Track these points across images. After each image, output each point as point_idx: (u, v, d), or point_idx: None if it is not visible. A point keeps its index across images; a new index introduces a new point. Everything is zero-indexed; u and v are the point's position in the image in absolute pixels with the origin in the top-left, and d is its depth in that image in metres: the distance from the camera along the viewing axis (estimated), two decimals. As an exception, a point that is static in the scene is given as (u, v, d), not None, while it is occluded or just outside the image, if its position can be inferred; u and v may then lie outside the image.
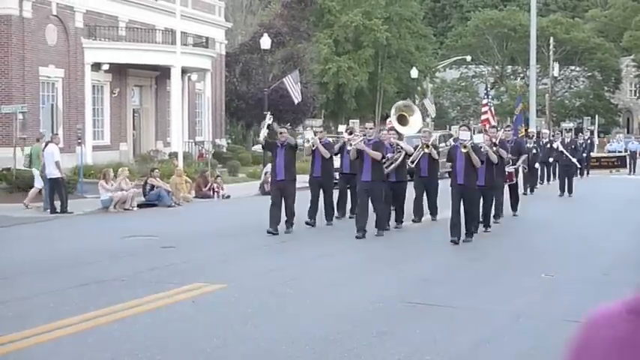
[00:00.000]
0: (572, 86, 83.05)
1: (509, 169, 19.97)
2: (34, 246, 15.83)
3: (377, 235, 16.23)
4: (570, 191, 27.13)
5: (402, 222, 18.14)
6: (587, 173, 38.05)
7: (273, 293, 10.96)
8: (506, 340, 8.61)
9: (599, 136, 64.70)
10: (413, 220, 18.67)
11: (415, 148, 18.18)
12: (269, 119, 18.12)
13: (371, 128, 17.86)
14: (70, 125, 32.38)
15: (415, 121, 19.40)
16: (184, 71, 37.00)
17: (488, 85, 30.77)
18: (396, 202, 17.99)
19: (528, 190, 27.07)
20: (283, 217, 16.96)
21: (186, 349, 8.06)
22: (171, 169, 28.11)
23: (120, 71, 36.60)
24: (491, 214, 17.90)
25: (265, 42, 41.03)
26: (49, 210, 21.47)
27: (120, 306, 9.88)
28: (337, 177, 20.11)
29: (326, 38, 64.12)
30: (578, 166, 30.03)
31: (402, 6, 70.82)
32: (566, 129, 48.26)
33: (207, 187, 26.82)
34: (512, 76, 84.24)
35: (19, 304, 10.06)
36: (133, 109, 38.66)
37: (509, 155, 19.76)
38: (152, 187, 24.25)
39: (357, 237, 15.84)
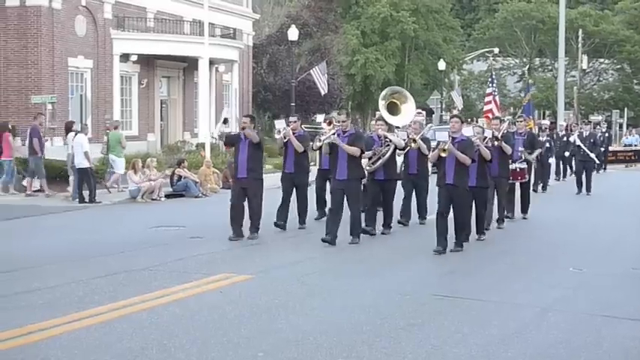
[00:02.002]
0: (601, 79, 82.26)
1: (519, 165, 18.15)
2: (63, 235, 15.93)
3: (351, 243, 14.20)
4: (588, 189, 25.22)
5: (391, 227, 15.94)
6: (604, 168, 35.53)
7: (300, 284, 10.98)
8: (534, 333, 8.57)
9: (627, 129, 64.07)
10: (399, 222, 16.69)
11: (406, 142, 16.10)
12: (226, 113, 16.89)
13: (344, 121, 14.56)
14: (99, 116, 32.57)
15: (408, 109, 17.17)
16: (212, 62, 37.04)
17: (494, 74, 26.95)
18: (384, 203, 15.89)
19: (540, 187, 25.40)
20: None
21: (215, 339, 8.09)
22: (199, 159, 28.18)
23: (148, 62, 36.73)
24: (485, 219, 15.43)
25: (293, 33, 41.01)
26: (77, 200, 21.60)
27: (148, 295, 9.93)
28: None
29: (353, 30, 63.96)
30: (597, 161, 27.75)
31: (430, -2, 70.48)
32: (584, 121, 46.97)
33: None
34: (540, 69, 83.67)
35: (49, 292, 10.14)
36: (161, 100, 38.80)
37: (521, 149, 18.40)
38: (180, 177, 24.33)
39: (322, 240, 13.99)
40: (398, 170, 16.99)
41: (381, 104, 17.18)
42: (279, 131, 16.05)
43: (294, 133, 16.08)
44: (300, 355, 7.62)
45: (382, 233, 15.60)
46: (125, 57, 34.93)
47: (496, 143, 15.83)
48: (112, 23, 34.38)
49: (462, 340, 8.19)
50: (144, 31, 35.92)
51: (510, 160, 17.33)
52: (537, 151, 20.06)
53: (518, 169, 18.06)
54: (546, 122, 39.42)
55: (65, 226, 17.59)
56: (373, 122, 16.59)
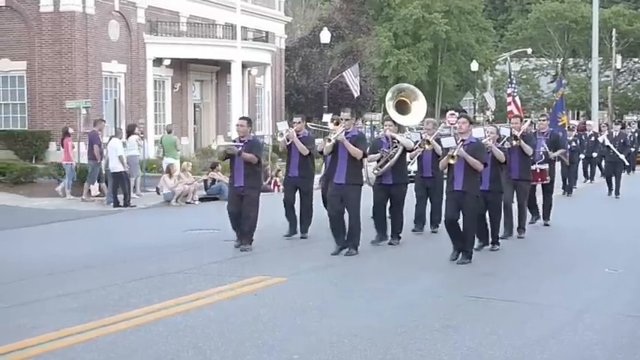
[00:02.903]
0: (635, 78, 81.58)
1: (540, 165, 16.86)
2: (98, 239, 16.06)
3: (347, 255, 13.18)
4: (617, 192, 24.06)
5: (400, 236, 14.65)
6: (633, 169, 32.67)
7: (333, 286, 11.00)
8: (570, 335, 8.51)
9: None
10: (413, 230, 15.67)
11: (416, 143, 15.12)
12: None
13: (347, 119, 13.54)
14: (133, 120, 32.72)
15: (418, 108, 15.89)
16: (244, 66, 37.17)
17: (512, 74, 25.02)
18: (393, 209, 14.72)
19: (566, 190, 24.13)
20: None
21: (250, 341, 8.12)
22: (232, 163, 28.27)
23: (181, 66, 36.93)
24: (498, 226, 14.24)
25: (325, 36, 41.09)
26: (112, 204, 21.77)
27: (183, 298, 9.99)
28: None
29: (385, 32, 63.94)
30: (626, 162, 26.52)
31: (462, -1, 70.32)
32: (616, 121, 45.73)
33: (268, 181, 26.92)
34: (573, 69, 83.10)
35: (85, 296, 10.23)
36: (194, 104, 38.99)
37: (543, 149, 17.09)
38: (213, 181, 24.45)
39: (333, 254, 13.24)
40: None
41: (389, 104, 15.79)
42: (282, 133, 15.18)
43: (298, 135, 15.07)
44: (334, 358, 7.63)
45: (389, 244, 14.42)
46: (158, 61, 35.16)
47: (514, 143, 14.94)
48: (145, 28, 34.61)
49: (498, 342, 8.15)
50: (177, 36, 36.14)
51: (532, 160, 16.37)
52: (560, 151, 18.39)
53: (538, 170, 16.86)
54: (574, 122, 38.64)
55: (100, 230, 17.74)
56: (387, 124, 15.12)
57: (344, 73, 39.61)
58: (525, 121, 17.11)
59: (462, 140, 12.61)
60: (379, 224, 14.59)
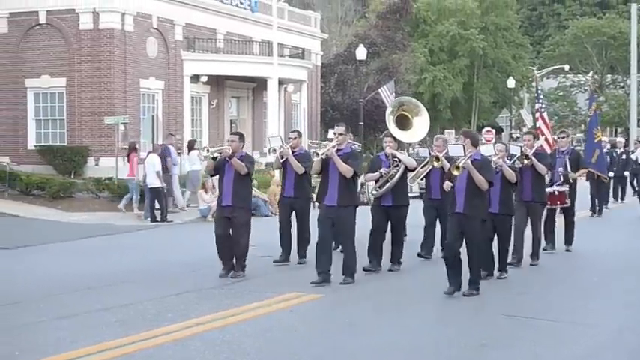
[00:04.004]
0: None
1: (558, 187, 15.62)
2: (135, 254, 16.19)
3: (343, 284, 12.07)
4: None
5: (401, 262, 13.63)
6: None
7: (369, 303, 10.99)
8: (609, 354, 8.46)
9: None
10: (419, 255, 14.60)
11: (425, 160, 14.05)
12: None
13: (341, 134, 12.37)
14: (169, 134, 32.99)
15: (420, 124, 14.50)
16: (281, 82, 37.32)
17: (539, 89, 23.15)
18: (393, 233, 13.60)
19: (596, 211, 23.08)
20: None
21: (286, 357, 8.15)
22: (268, 179, 28.36)
23: (218, 82, 37.19)
24: (507, 253, 13.10)
25: (361, 52, 41.17)
26: (149, 219, 21.93)
27: (220, 314, 10.04)
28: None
29: (421, 48, 63.93)
30: None
31: (499, 15, 70.15)
32: None
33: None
34: (611, 85, 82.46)
35: (122, 310, 10.33)
36: (231, 120, 39.21)
37: (561, 169, 15.83)
38: (248, 196, 24.51)
39: (312, 283, 11.94)
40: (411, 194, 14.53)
41: (389, 118, 14.25)
42: (274, 150, 13.91)
43: (293, 152, 13.91)
44: (370, 374, 7.63)
45: (389, 270, 13.38)
46: (195, 78, 35.42)
47: (525, 162, 13.62)
48: (183, 45, 34.89)
49: (535, 361, 8.12)
50: (214, 52, 36.39)
51: (549, 182, 15.44)
52: (582, 172, 16.92)
53: (557, 193, 15.56)
54: (605, 139, 38.10)
55: (138, 245, 17.88)
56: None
57: (380, 89, 39.61)
58: (538, 138, 15.95)
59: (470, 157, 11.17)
60: (375, 250, 13.29)
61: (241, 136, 13.28)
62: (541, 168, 14.02)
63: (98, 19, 30.90)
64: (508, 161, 12.88)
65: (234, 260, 12.84)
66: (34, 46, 31.81)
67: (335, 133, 12.55)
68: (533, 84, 78.21)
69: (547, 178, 15.16)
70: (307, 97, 42.65)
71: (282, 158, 13.92)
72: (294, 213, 14.36)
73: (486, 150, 12.32)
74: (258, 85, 38.75)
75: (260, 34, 38.66)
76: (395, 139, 13.69)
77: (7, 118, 32.12)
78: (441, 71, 65.47)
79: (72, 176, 29.12)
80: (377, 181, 13.46)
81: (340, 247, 13.37)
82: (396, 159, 13.34)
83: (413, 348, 8.54)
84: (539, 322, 9.90)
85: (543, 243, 15.24)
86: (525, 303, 11.20)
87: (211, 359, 8.03)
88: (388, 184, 13.24)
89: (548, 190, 15.23)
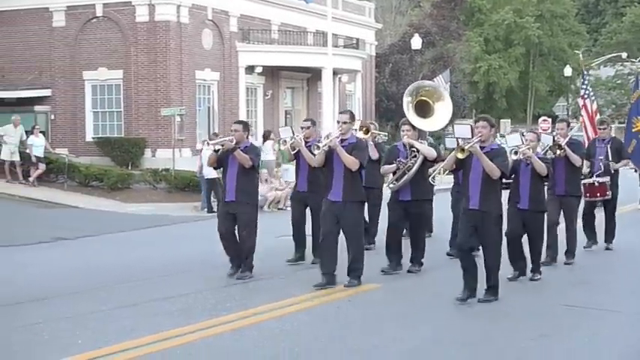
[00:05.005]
0: None
1: (598, 178, 14.30)
2: (192, 244, 16.32)
3: (348, 286, 11.08)
4: None
5: (422, 263, 12.47)
6: None
7: (426, 293, 10.95)
8: (670, 346, 8.34)
9: None
10: (448, 254, 13.52)
11: (438, 152, 12.61)
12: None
13: (344, 122, 11.17)
14: (225, 127, 33.17)
15: (443, 110, 13.10)
16: (335, 72, 37.30)
17: (585, 73, 21.71)
18: (412, 231, 12.58)
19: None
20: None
21: (344, 347, 8.17)
22: (323, 169, 28.40)
23: (272, 73, 37.29)
24: (540, 252, 12.03)
25: (416, 42, 40.98)
26: (206, 209, 22.09)
27: (278, 304, 10.09)
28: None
29: (476, 37, 63.49)
30: None
31: (555, 3, 69.42)
32: None
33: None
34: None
35: (182, 300, 10.43)
36: (285, 111, 39.31)
37: (601, 159, 14.49)
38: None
39: (315, 286, 11.01)
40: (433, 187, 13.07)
41: (407, 105, 12.87)
42: (285, 141, 12.46)
43: (307, 143, 12.40)
44: (429, 365, 7.62)
45: (408, 271, 12.30)
46: (250, 69, 35.55)
47: (558, 153, 12.65)
48: (238, 36, 35.03)
49: (596, 351, 8.03)
50: (268, 43, 36.49)
51: (589, 173, 14.37)
52: (624, 162, 15.55)
53: (597, 184, 14.29)
54: None
55: (194, 236, 18.00)
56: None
57: (435, 79, 39.39)
58: (573, 126, 14.95)
59: (481, 148, 9.99)
60: (394, 249, 12.33)
61: (245, 125, 12.29)
62: (575, 159, 12.92)
63: (154, 11, 31.14)
64: (539, 152, 11.92)
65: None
66: (91, 38, 32.17)
67: (338, 122, 11.44)
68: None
69: (586, 169, 14.27)
70: (362, 87, 42.60)
71: (293, 150, 12.61)
72: (308, 209, 13.28)
73: (513, 139, 11.38)
74: (312, 75, 38.79)
75: (314, 24, 38.68)
76: (414, 127, 12.46)
77: (66, 110, 32.55)
78: (496, 60, 64.99)
79: (129, 167, 29.44)
80: (394, 173, 12.41)
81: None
82: (414, 149, 12.19)
83: (469, 339, 8.51)
84: (600, 312, 9.81)
85: (582, 241, 14.12)
86: (586, 293, 11.06)
87: (270, 349, 8.07)
88: (406, 177, 12.13)
89: (587, 180, 14.25)
